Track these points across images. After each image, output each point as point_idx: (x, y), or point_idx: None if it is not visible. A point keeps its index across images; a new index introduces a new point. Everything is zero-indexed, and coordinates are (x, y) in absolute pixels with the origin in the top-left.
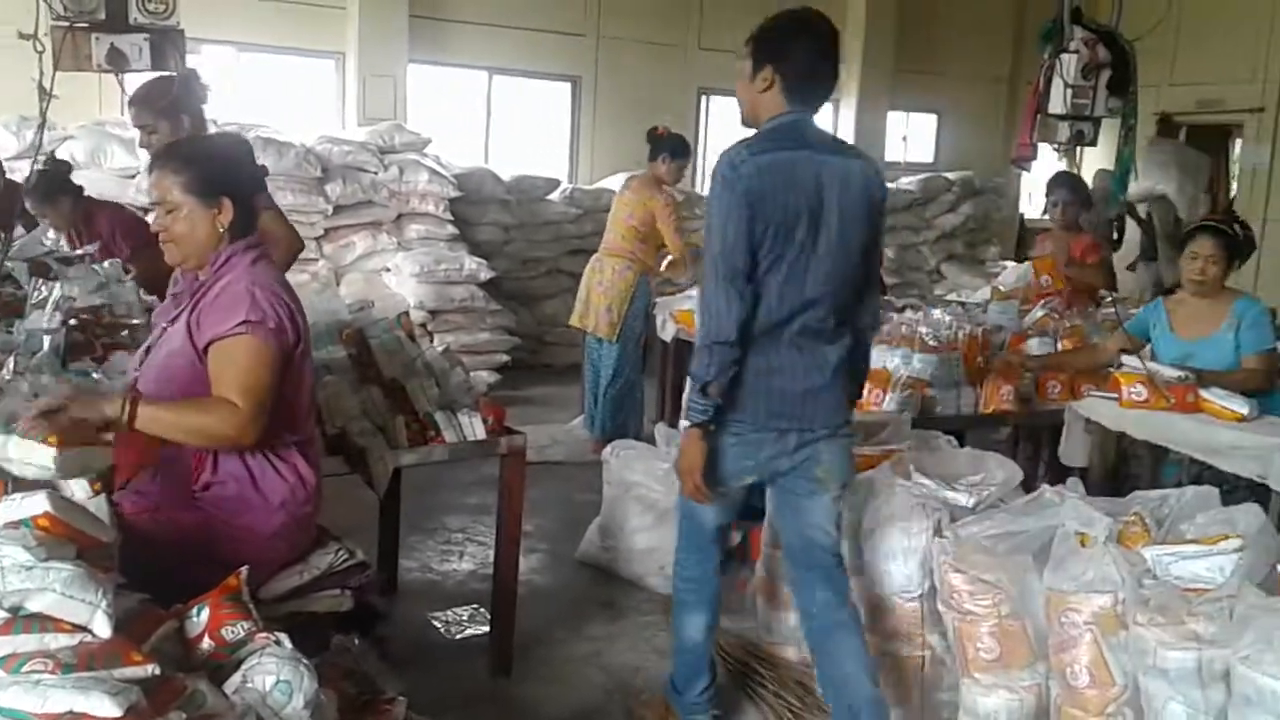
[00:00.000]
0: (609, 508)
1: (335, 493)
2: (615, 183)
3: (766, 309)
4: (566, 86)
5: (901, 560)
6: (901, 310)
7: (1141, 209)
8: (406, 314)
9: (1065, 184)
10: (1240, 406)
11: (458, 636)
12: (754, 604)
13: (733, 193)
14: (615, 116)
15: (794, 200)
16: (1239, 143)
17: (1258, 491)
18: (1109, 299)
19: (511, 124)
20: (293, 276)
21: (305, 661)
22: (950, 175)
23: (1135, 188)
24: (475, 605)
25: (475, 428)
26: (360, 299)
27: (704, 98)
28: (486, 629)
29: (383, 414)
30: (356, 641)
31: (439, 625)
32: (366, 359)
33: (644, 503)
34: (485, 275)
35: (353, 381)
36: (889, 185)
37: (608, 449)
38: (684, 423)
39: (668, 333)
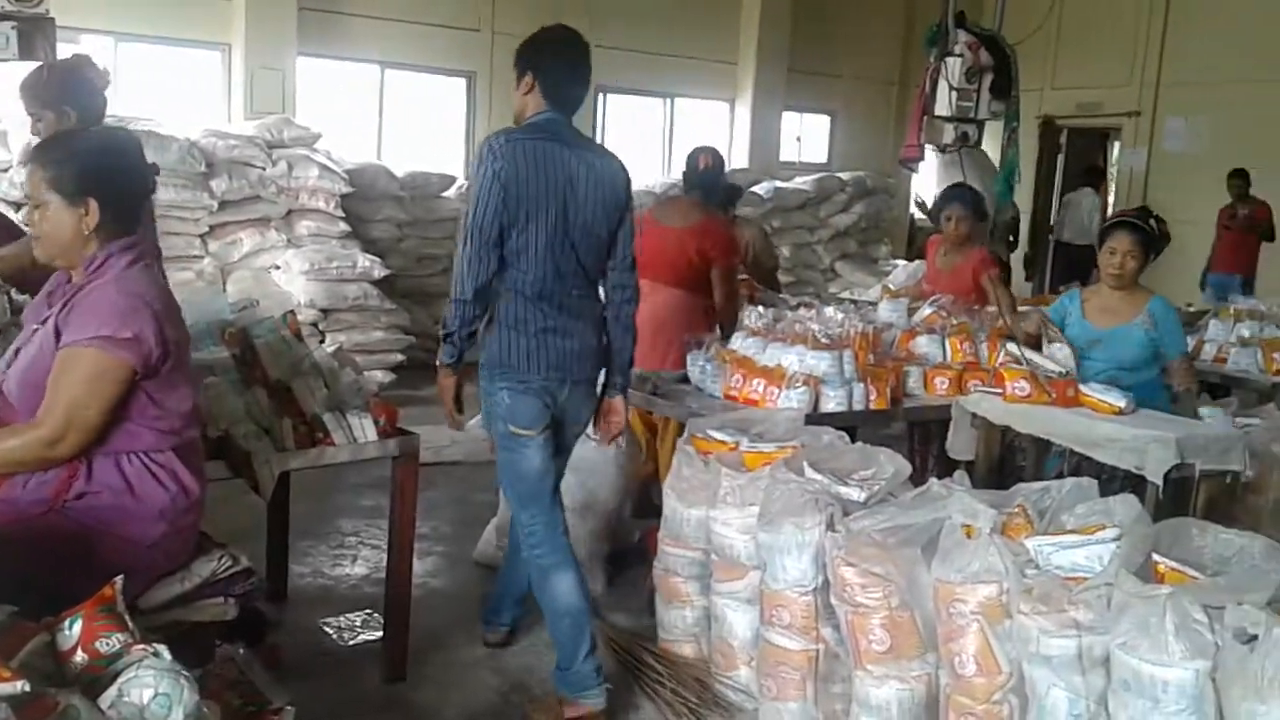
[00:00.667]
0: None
1: (222, 498)
2: None
3: (536, 278)
4: (461, 82)
5: (795, 555)
6: (795, 308)
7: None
8: (293, 313)
9: (958, 198)
10: (1117, 400)
11: (351, 643)
12: (651, 601)
13: (490, 172)
14: (511, 113)
15: (544, 184)
16: (1117, 145)
17: (1135, 482)
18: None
19: (405, 119)
20: (176, 275)
21: (186, 673)
22: (843, 175)
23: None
24: (369, 610)
25: (366, 429)
26: (244, 297)
27: (601, 95)
28: (380, 634)
29: (268, 416)
30: (242, 651)
31: (331, 632)
32: (251, 359)
33: None
34: (379, 273)
35: (237, 383)
36: (783, 185)
37: None
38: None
39: None
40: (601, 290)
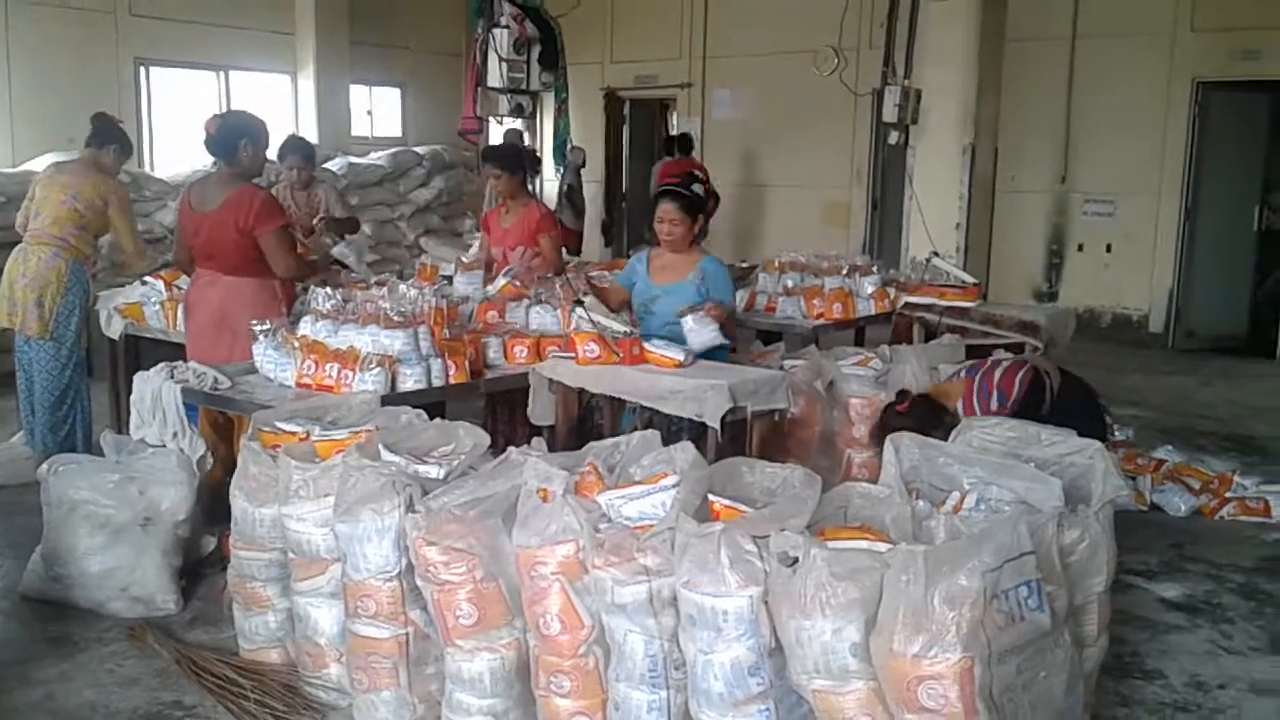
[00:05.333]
0: (53, 532)
1: None
2: (43, 164)
3: None
4: None
5: (376, 542)
6: (368, 287)
7: None
8: None
9: (493, 157)
10: (677, 354)
11: None
12: (230, 611)
13: None
14: (39, 90)
15: None
16: (675, 115)
17: (703, 428)
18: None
19: None
20: None
21: None
22: (420, 149)
23: None
24: None
25: None
26: None
27: (143, 69)
28: None
29: None
30: None
31: None
32: None
33: (94, 521)
34: None
35: None
36: (357, 160)
37: (44, 466)
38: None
39: (114, 329)
40: None
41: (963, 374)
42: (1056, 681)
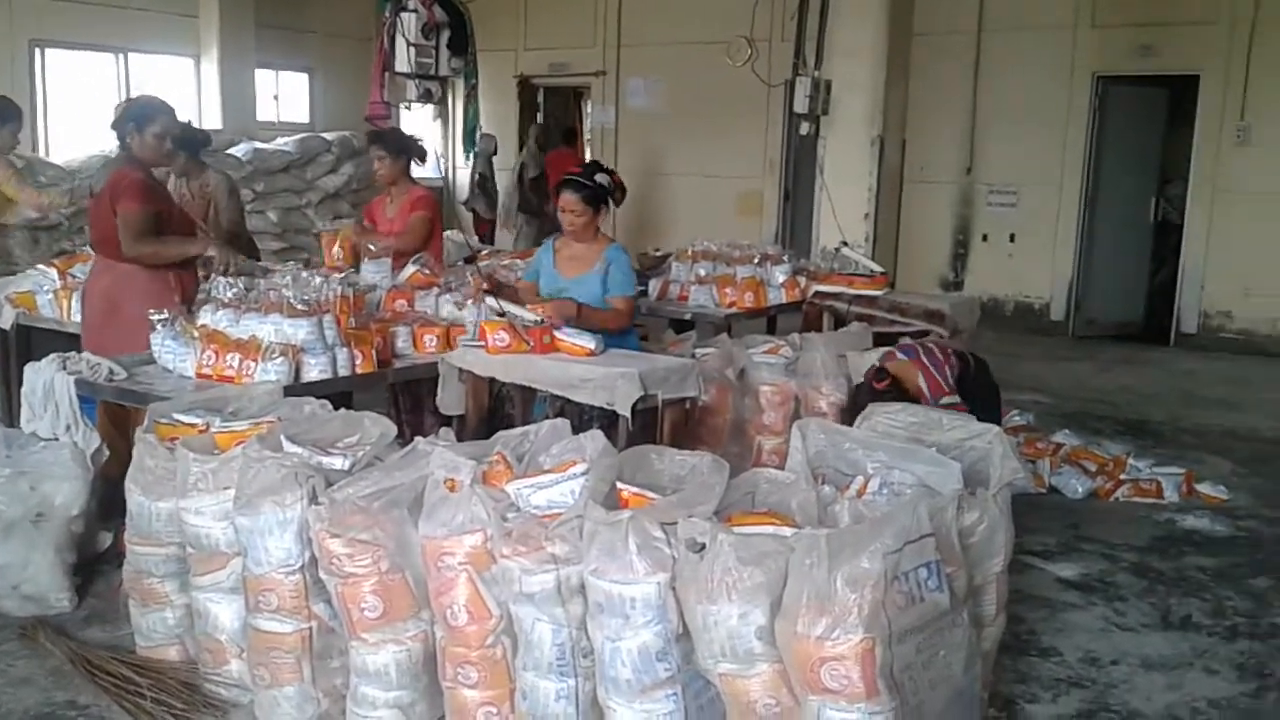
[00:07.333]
0: None
1: None
2: None
3: None
4: None
5: (278, 535)
6: (268, 275)
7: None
8: None
9: (377, 140)
10: (588, 342)
11: None
12: (127, 608)
13: None
14: None
15: None
16: (589, 103)
17: (614, 417)
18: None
19: None
20: None
21: None
22: (328, 135)
23: None
24: None
25: None
26: None
27: (38, 51)
28: None
29: None
30: None
31: None
32: None
33: None
34: None
35: None
36: (263, 146)
37: None
38: None
39: (5, 319)
40: None
41: (900, 356)
42: (955, 660)
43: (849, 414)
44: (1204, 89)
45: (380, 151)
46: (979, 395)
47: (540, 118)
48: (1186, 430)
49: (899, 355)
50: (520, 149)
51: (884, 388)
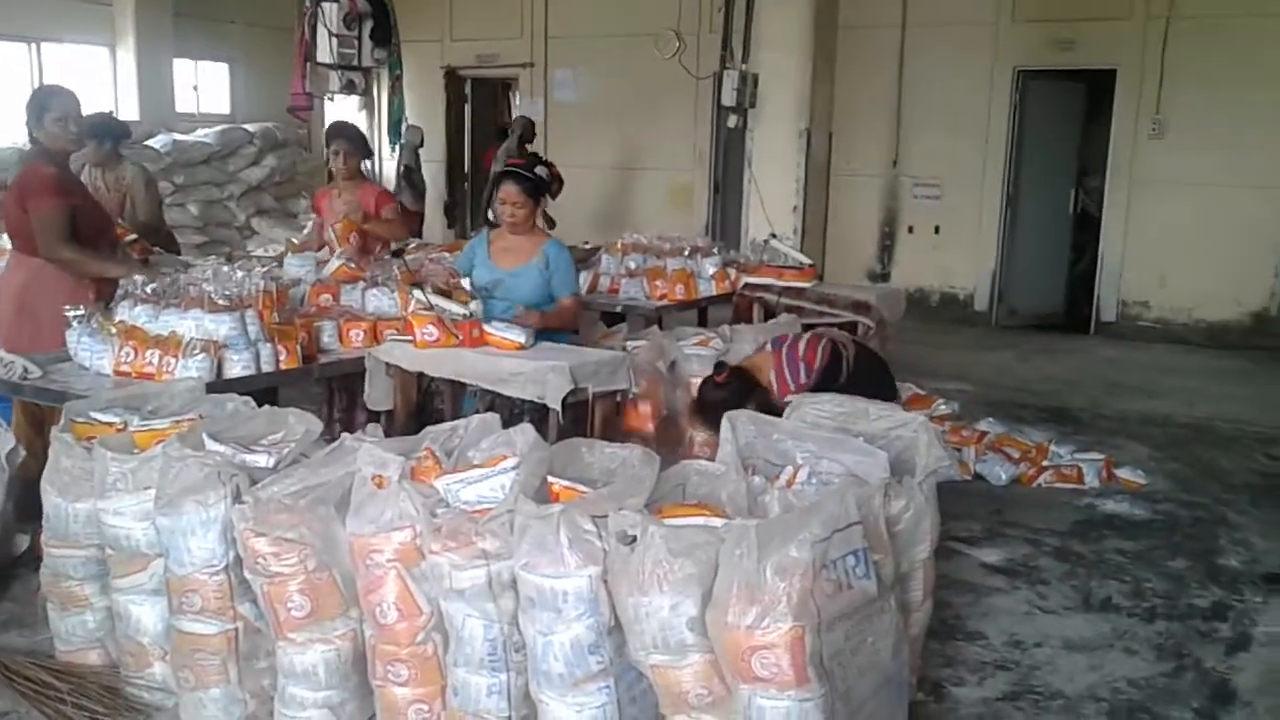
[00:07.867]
0: None
1: None
2: None
3: None
4: None
5: (201, 534)
6: (186, 270)
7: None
8: None
9: (342, 133)
10: (518, 336)
11: None
12: (45, 611)
13: None
14: None
15: None
16: (517, 95)
17: (545, 410)
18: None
19: None
20: None
21: None
22: (250, 127)
23: None
24: None
25: None
26: None
27: None
28: None
29: None
30: None
31: None
32: None
33: None
34: None
35: None
36: (182, 138)
37: None
38: None
39: None
40: None
41: (769, 347)
42: (883, 646)
43: (696, 407)
44: (1121, 83)
45: (346, 146)
46: (868, 383)
47: (469, 111)
48: (1106, 417)
49: (769, 347)
50: (448, 141)
51: (722, 380)
